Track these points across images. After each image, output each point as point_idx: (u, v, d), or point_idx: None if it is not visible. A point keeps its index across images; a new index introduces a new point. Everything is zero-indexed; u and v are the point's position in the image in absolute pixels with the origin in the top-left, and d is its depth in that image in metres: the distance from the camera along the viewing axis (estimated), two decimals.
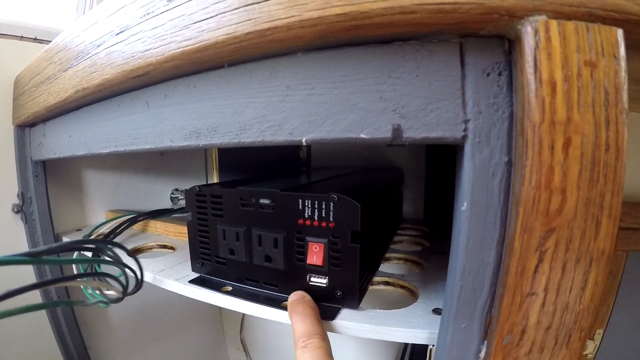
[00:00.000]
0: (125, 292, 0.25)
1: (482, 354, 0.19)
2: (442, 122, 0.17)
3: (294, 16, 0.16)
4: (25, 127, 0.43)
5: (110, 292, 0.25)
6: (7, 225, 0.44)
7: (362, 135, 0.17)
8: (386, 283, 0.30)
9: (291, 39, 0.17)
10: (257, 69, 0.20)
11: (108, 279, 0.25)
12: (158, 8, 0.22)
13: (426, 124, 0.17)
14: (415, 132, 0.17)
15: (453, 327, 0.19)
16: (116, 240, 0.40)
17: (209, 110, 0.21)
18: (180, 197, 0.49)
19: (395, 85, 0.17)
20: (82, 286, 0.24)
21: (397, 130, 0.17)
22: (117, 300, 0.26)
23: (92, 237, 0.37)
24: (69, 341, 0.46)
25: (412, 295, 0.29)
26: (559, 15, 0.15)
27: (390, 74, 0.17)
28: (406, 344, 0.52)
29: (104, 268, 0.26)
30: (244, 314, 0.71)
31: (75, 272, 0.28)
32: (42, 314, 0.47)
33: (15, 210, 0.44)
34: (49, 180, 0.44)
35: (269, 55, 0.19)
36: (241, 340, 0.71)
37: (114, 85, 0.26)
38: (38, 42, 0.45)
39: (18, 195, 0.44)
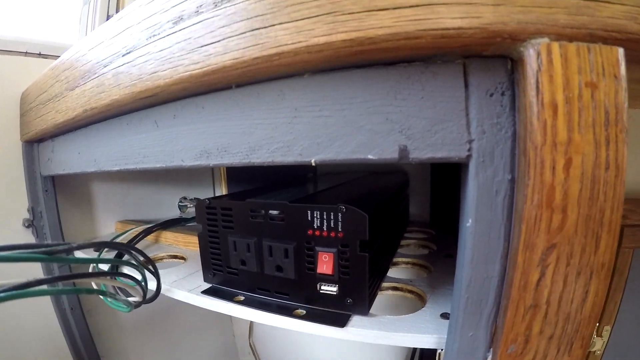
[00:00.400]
0: (144, 297, 0.27)
1: None
2: (447, 143, 0.18)
3: (300, 42, 0.17)
4: (34, 143, 0.44)
5: (128, 298, 0.27)
6: (18, 240, 0.46)
7: (370, 156, 0.18)
8: (395, 288, 0.31)
9: (298, 63, 0.18)
10: (264, 91, 0.21)
11: (127, 282, 0.26)
12: (164, 30, 0.23)
13: (432, 145, 0.18)
14: (421, 152, 0.18)
15: (460, 335, 0.20)
16: None
17: (218, 130, 0.22)
18: (189, 206, 0.50)
19: (401, 107, 0.18)
20: (101, 289, 0.26)
21: (403, 151, 0.18)
22: (137, 305, 0.27)
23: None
24: (82, 351, 0.48)
25: (421, 300, 0.30)
26: (561, 37, 0.15)
27: (396, 96, 0.18)
28: (415, 348, 0.53)
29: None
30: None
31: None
32: (55, 323, 0.48)
33: (26, 224, 0.46)
34: (58, 193, 0.45)
35: (276, 77, 0.20)
36: (250, 346, 0.73)
37: (122, 105, 0.27)
38: (42, 57, 0.46)
39: (28, 210, 0.46)
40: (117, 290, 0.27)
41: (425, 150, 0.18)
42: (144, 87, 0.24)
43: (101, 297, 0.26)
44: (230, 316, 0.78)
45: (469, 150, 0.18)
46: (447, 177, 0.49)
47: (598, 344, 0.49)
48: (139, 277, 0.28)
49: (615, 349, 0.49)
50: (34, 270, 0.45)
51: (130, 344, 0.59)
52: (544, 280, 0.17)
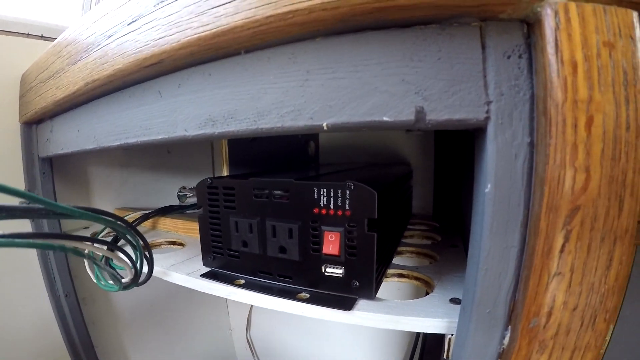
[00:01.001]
0: (136, 278, 0.25)
1: (506, 340, 0.19)
2: (464, 104, 0.17)
3: None
4: (32, 124, 0.43)
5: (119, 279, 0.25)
6: (14, 223, 0.44)
7: (385, 119, 0.17)
8: (400, 275, 0.30)
9: (312, 22, 0.17)
10: (275, 55, 0.20)
11: (122, 258, 0.25)
12: None
13: (449, 106, 0.17)
14: (439, 114, 0.17)
15: (476, 313, 0.19)
16: None
17: (225, 97, 0.22)
18: (188, 195, 0.49)
19: (418, 69, 0.17)
20: (90, 255, 0.24)
21: (420, 113, 0.17)
22: (127, 286, 0.25)
23: (103, 234, 0.37)
24: (76, 340, 0.46)
25: (428, 287, 0.29)
26: None
27: (412, 57, 0.17)
28: (415, 342, 0.52)
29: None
30: (249, 314, 0.71)
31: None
32: (49, 309, 0.46)
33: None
34: (55, 178, 0.44)
35: (287, 40, 0.20)
36: (247, 340, 0.71)
37: (125, 75, 0.26)
38: (45, 40, 0.46)
39: None
40: (108, 264, 0.26)
41: (442, 111, 0.17)
42: (150, 54, 0.23)
43: (90, 272, 0.25)
44: (228, 310, 0.76)
45: (487, 112, 0.17)
46: (451, 171, 0.48)
47: None
48: (133, 256, 0.26)
49: (619, 346, 0.48)
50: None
51: (125, 335, 0.57)
52: (568, 245, 0.16)
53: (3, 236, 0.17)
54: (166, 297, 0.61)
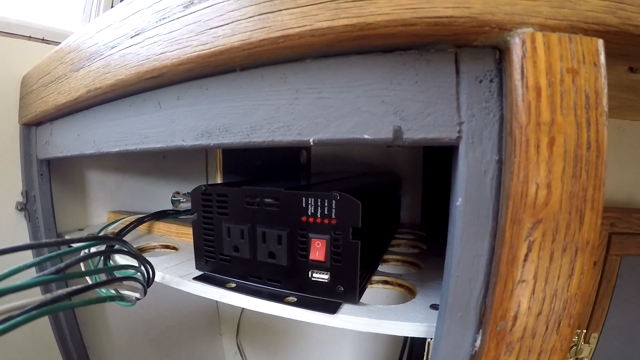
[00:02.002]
0: (146, 291, 0.26)
1: (478, 342, 0.20)
2: (438, 124, 0.19)
3: (305, 26, 0.18)
4: (32, 126, 0.44)
5: (127, 292, 0.27)
6: (10, 223, 0.45)
7: (366, 136, 0.19)
8: (385, 282, 0.31)
9: (302, 46, 0.19)
10: (268, 74, 0.22)
11: (132, 284, 0.26)
12: (174, 13, 0.24)
13: (424, 126, 0.19)
14: (414, 133, 0.19)
15: (450, 317, 0.20)
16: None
17: (221, 111, 0.23)
18: (181, 200, 0.50)
19: (396, 91, 0.19)
20: (107, 295, 0.26)
21: (397, 132, 0.19)
22: (139, 298, 0.27)
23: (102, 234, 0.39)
24: (68, 340, 0.46)
25: (410, 293, 0.30)
26: (544, 27, 0.17)
27: (392, 80, 0.19)
28: (403, 349, 0.53)
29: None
30: (239, 319, 0.71)
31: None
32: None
33: (19, 207, 0.45)
34: (53, 179, 0.45)
35: (279, 60, 0.21)
36: (237, 345, 0.72)
37: (127, 85, 0.28)
38: (46, 43, 0.47)
39: (22, 193, 0.45)
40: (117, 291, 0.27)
41: (418, 131, 0.19)
42: (151, 67, 0.24)
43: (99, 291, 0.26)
44: (219, 315, 0.77)
45: (459, 132, 0.19)
46: (439, 182, 0.50)
47: (585, 351, 0.49)
48: (135, 271, 0.27)
49: (603, 356, 0.49)
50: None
51: (117, 336, 0.57)
52: (530, 255, 0.18)
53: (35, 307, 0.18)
54: (157, 301, 0.62)
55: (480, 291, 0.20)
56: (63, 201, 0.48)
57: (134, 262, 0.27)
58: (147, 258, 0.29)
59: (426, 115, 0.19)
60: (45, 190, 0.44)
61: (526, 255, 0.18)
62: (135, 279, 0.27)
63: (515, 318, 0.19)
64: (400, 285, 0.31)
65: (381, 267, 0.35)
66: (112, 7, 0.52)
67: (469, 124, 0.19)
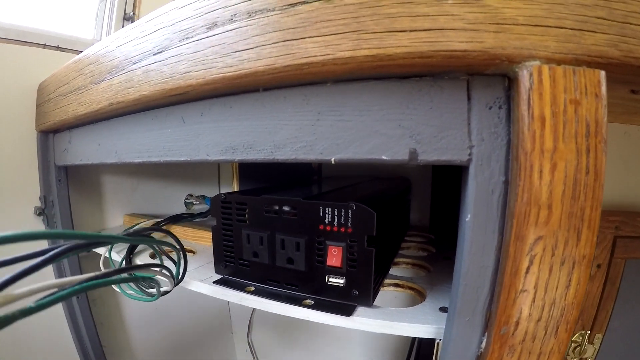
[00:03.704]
0: (175, 283, 0.29)
1: (483, 344, 0.23)
2: (451, 147, 0.21)
3: (328, 54, 0.21)
4: (49, 133, 0.47)
5: (152, 290, 0.30)
6: (29, 227, 0.48)
7: (384, 157, 0.22)
8: (396, 285, 0.34)
9: (324, 72, 0.22)
10: (290, 95, 0.24)
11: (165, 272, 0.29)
12: (198, 34, 0.26)
13: (438, 149, 0.21)
14: (429, 155, 0.21)
15: (457, 321, 0.23)
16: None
17: (245, 129, 0.26)
18: (195, 203, 0.53)
19: (412, 115, 0.21)
20: (121, 285, 0.29)
21: (413, 154, 0.21)
22: (165, 292, 0.30)
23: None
24: (86, 340, 0.50)
25: (420, 296, 0.33)
26: (551, 61, 0.19)
27: (408, 105, 0.22)
28: (410, 349, 0.57)
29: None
30: (251, 317, 0.76)
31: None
32: (60, 310, 0.51)
33: (37, 212, 0.48)
34: (70, 184, 0.48)
35: (301, 83, 0.24)
36: (249, 343, 0.76)
37: (150, 101, 0.30)
38: (61, 51, 0.49)
39: (40, 199, 0.48)
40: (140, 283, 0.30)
41: (432, 153, 0.21)
42: (176, 85, 0.27)
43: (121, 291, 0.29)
44: (230, 313, 0.81)
45: (470, 154, 0.21)
46: (448, 185, 0.53)
47: (589, 351, 0.52)
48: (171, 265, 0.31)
49: (606, 357, 0.53)
50: None
51: (132, 335, 0.61)
52: (532, 268, 0.20)
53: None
54: (170, 301, 0.66)
55: (486, 298, 0.23)
56: (80, 205, 0.51)
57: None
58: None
59: (440, 138, 0.21)
60: (63, 195, 0.47)
61: (528, 268, 0.21)
62: (168, 273, 0.30)
63: (517, 323, 0.22)
64: (410, 288, 0.34)
65: (392, 270, 0.38)
66: (124, 16, 0.54)
67: (479, 148, 0.21)
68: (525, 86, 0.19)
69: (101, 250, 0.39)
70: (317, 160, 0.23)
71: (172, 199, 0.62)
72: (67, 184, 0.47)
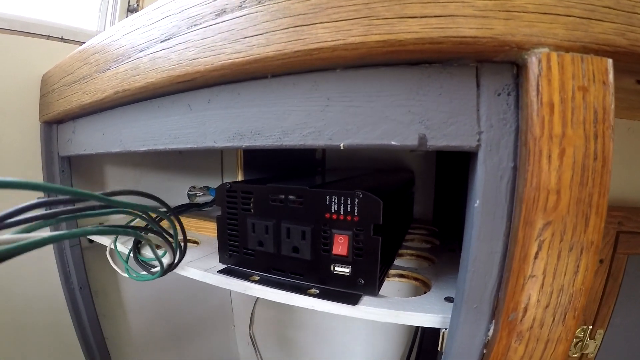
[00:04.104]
0: (175, 257, 0.29)
1: (491, 332, 0.24)
2: (460, 133, 0.21)
3: (339, 40, 0.21)
4: (53, 124, 0.47)
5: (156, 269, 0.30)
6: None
7: (393, 142, 0.22)
8: (401, 275, 0.35)
9: (334, 58, 0.22)
10: (299, 82, 0.24)
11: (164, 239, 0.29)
12: (206, 21, 0.26)
13: (447, 135, 0.22)
14: (438, 141, 0.22)
15: (465, 308, 0.23)
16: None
17: (253, 115, 0.26)
18: (198, 194, 0.53)
19: (422, 101, 0.22)
20: (122, 263, 0.29)
21: (422, 139, 0.22)
22: (163, 272, 0.30)
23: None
24: (88, 331, 0.50)
25: (425, 286, 0.33)
26: (559, 48, 0.19)
27: (418, 91, 0.22)
28: (413, 340, 0.57)
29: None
30: (253, 310, 0.76)
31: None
32: (62, 301, 0.51)
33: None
34: (73, 174, 0.48)
35: (310, 69, 0.24)
36: (250, 335, 0.76)
37: (157, 88, 0.30)
38: (64, 42, 0.49)
39: None
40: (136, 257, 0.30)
41: (441, 139, 0.22)
42: (183, 72, 0.27)
43: (118, 269, 0.29)
44: (232, 306, 0.82)
45: (479, 140, 0.21)
46: (452, 178, 0.53)
47: (591, 347, 0.53)
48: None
49: (608, 352, 0.53)
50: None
51: (134, 327, 0.61)
52: (540, 253, 0.21)
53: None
54: (173, 293, 0.66)
55: (494, 285, 0.23)
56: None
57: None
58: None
59: (449, 124, 0.22)
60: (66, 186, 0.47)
61: (536, 253, 0.21)
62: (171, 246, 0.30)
63: (526, 310, 0.22)
64: (415, 279, 0.34)
65: (397, 261, 0.38)
66: (128, 7, 0.54)
67: (488, 134, 0.21)
68: (534, 73, 0.20)
69: (106, 242, 0.39)
70: (326, 146, 0.23)
71: (176, 191, 0.62)
72: (70, 175, 0.47)
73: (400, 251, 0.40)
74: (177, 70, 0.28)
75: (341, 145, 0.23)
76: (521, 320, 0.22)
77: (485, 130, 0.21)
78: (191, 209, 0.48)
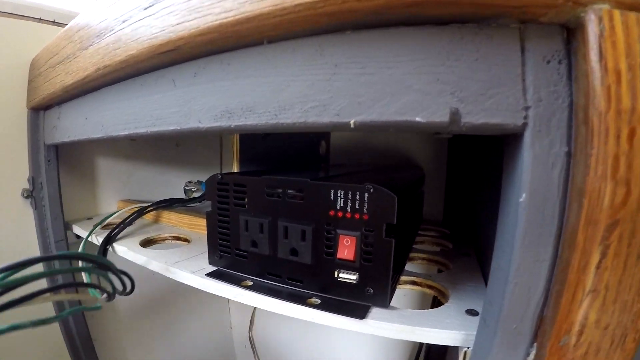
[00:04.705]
0: (110, 298, 0.24)
1: (531, 357, 0.18)
2: (502, 108, 0.16)
3: None
4: (40, 110, 0.42)
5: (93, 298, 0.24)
6: (16, 211, 0.43)
7: (418, 119, 0.17)
8: (413, 283, 0.29)
9: (344, 12, 0.17)
10: (300, 47, 0.19)
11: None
12: None
13: (485, 110, 0.16)
14: (475, 117, 0.16)
15: (502, 328, 0.18)
16: (128, 228, 0.40)
17: (244, 88, 0.21)
18: (194, 189, 0.48)
19: (454, 68, 0.17)
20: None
21: (455, 115, 0.16)
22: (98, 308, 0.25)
23: (104, 224, 0.37)
24: (74, 332, 0.45)
25: (442, 296, 0.28)
26: (620, 5, 0.15)
27: (449, 56, 0.17)
28: (419, 351, 0.51)
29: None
30: (254, 312, 0.69)
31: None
32: (49, 304, 0.46)
33: (25, 195, 0.43)
34: (61, 166, 0.43)
35: (314, 32, 0.19)
36: (249, 339, 0.69)
37: (138, 62, 0.25)
38: (57, 25, 0.45)
39: (28, 180, 0.43)
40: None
41: (478, 114, 0.16)
42: (166, 39, 0.22)
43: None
44: (229, 307, 0.75)
45: (525, 117, 0.16)
46: (464, 177, 0.47)
47: None
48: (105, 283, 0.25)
49: None
50: None
51: (124, 329, 0.56)
52: (605, 261, 0.15)
53: None
54: (166, 293, 0.61)
55: (539, 301, 0.18)
56: (72, 189, 0.47)
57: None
58: (129, 275, 0.27)
59: (488, 97, 0.16)
60: (52, 177, 0.42)
61: (600, 262, 0.16)
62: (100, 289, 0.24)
63: (581, 332, 0.16)
64: (429, 287, 0.29)
65: (408, 266, 0.32)
66: None
67: (536, 110, 0.16)
68: (595, 33, 0.15)
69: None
70: (332, 125, 0.18)
71: (172, 185, 0.57)
72: (57, 165, 0.42)
73: (411, 254, 0.35)
74: (159, 38, 0.23)
75: (351, 122, 0.17)
76: (575, 345, 0.17)
77: (532, 105, 0.16)
78: (174, 204, 0.43)
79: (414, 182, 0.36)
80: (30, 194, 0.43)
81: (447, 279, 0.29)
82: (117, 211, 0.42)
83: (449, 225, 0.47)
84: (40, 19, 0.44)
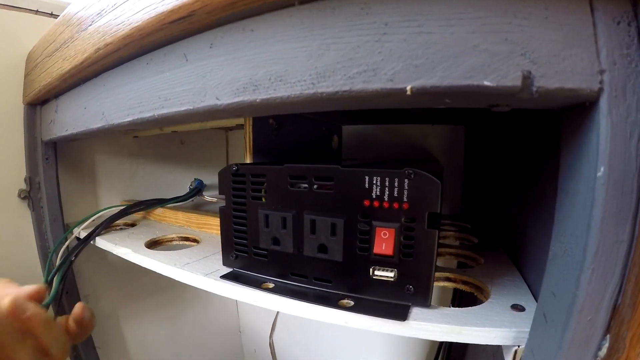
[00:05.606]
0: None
1: (603, 351, 0.15)
2: (577, 72, 0.14)
3: None
4: (36, 105, 0.38)
5: None
6: (12, 213, 0.38)
7: (486, 83, 0.14)
8: (447, 279, 0.26)
9: None
10: (341, 5, 0.16)
11: None
12: None
13: (560, 72, 0.14)
14: (549, 80, 0.14)
15: (576, 321, 0.16)
16: (132, 229, 0.37)
17: (273, 55, 0.18)
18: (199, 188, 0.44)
19: (523, 27, 0.14)
20: None
21: (527, 78, 0.14)
22: None
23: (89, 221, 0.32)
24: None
25: (479, 292, 0.25)
26: None
27: (516, 14, 0.14)
28: (438, 351, 0.47)
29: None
30: (276, 316, 0.63)
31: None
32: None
33: (22, 196, 0.39)
34: (60, 164, 0.39)
35: None
36: (270, 345, 0.63)
37: (144, 35, 0.22)
38: (54, 18, 0.41)
39: (25, 180, 0.39)
40: None
41: (552, 78, 0.14)
42: (178, 5, 0.19)
43: None
44: (237, 311, 0.69)
45: (601, 82, 0.14)
46: (482, 169, 0.45)
47: None
48: None
49: None
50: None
51: (129, 335, 0.51)
52: None
53: None
54: (173, 296, 0.55)
55: (615, 287, 0.15)
56: (71, 189, 0.43)
57: None
58: None
59: (562, 58, 0.14)
60: (50, 176, 0.38)
61: None
62: None
63: None
64: (465, 283, 0.26)
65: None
66: None
67: (611, 74, 0.14)
68: None
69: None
70: (383, 91, 0.15)
71: (177, 184, 0.53)
72: (55, 164, 0.38)
73: (439, 249, 0.32)
74: (170, 4, 0.19)
75: (408, 88, 0.15)
76: None
77: (607, 69, 0.14)
78: (154, 205, 0.39)
79: (438, 173, 0.33)
80: (28, 195, 0.39)
81: (482, 274, 0.27)
82: (99, 211, 0.37)
83: (469, 220, 0.44)
84: (37, 10, 0.40)
